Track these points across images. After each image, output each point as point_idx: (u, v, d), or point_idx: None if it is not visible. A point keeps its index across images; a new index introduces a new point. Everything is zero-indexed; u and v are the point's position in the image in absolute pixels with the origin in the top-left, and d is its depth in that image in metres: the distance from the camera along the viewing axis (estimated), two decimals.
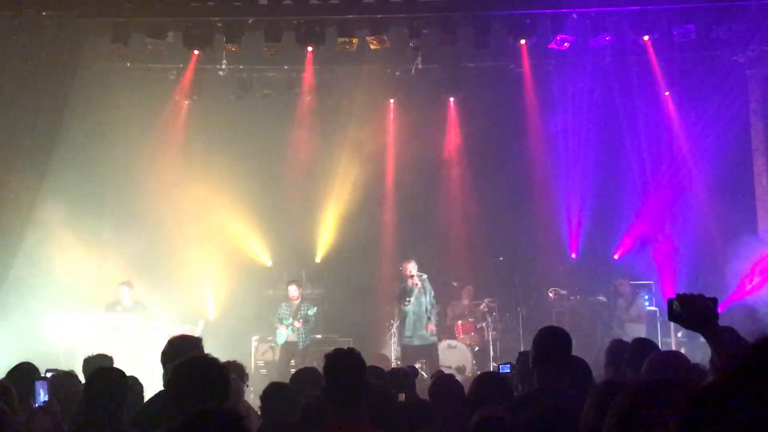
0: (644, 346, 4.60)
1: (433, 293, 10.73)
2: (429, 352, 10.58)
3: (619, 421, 1.60)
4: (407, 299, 10.45)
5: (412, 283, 10.43)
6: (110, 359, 5.87)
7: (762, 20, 10.22)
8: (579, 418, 2.48)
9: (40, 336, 9.82)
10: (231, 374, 3.98)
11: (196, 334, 5.29)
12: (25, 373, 5.13)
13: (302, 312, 11.07)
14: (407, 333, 10.57)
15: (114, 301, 10.39)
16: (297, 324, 10.93)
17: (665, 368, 3.87)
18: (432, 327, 10.55)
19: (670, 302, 2.73)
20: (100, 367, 4.26)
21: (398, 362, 10.85)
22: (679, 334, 10.73)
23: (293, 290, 11.23)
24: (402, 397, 4.83)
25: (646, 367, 3.97)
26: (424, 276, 10.69)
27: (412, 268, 10.54)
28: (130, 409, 4.24)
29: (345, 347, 3.63)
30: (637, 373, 4.12)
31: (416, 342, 10.52)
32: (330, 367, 3.46)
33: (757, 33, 10.55)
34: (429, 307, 10.55)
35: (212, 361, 3.15)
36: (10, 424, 3.74)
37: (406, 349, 10.63)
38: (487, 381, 4.28)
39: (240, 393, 4.37)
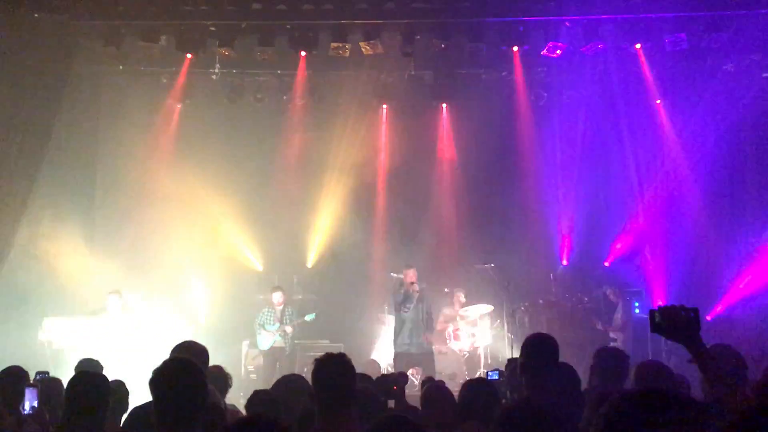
0: (617, 356, 4.60)
1: (430, 303, 10.78)
2: (424, 360, 10.47)
3: (605, 428, 1.61)
4: (407, 306, 10.41)
5: (413, 290, 10.40)
6: (100, 364, 5.84)
7: (753, 29, 10.28)
8: (567, 424, 2.49)
9: (31, 340, 9.75)
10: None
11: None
12: (13, 377, 5.08)
13: (288, 316, 11.05)
14: (405, 340, 10.48)
15: (100, 308, 10.26)
16: (288, 329, 10.92)
17: (651, 377, 3.89)
18: (429, 337, 10.55)
19: (651, 313, 2.73)
20: (80, 371, 4.19)
21: (389, 368, 10.81)
22: (670, 342, 10.71)
23: (278, 297, 11.22)
24: (391, 404, 4.81)
25: (632, 375, 3.98)
26: (423, 285, 10.71)
27: (413, 275, 10.54)
28: (116, 414, 4.21)
29: (335, 352, 3.54)
30: (620, 381, 4.15)
31: (413, 350, 10.45)
32: (319, 372, 3.39)
33: (748, 42, 10.60)
34: (426, 316, 10.55)
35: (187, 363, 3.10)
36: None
37: (400, 357, 10.46)
38: (474, 388, 4.27)
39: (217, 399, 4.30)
